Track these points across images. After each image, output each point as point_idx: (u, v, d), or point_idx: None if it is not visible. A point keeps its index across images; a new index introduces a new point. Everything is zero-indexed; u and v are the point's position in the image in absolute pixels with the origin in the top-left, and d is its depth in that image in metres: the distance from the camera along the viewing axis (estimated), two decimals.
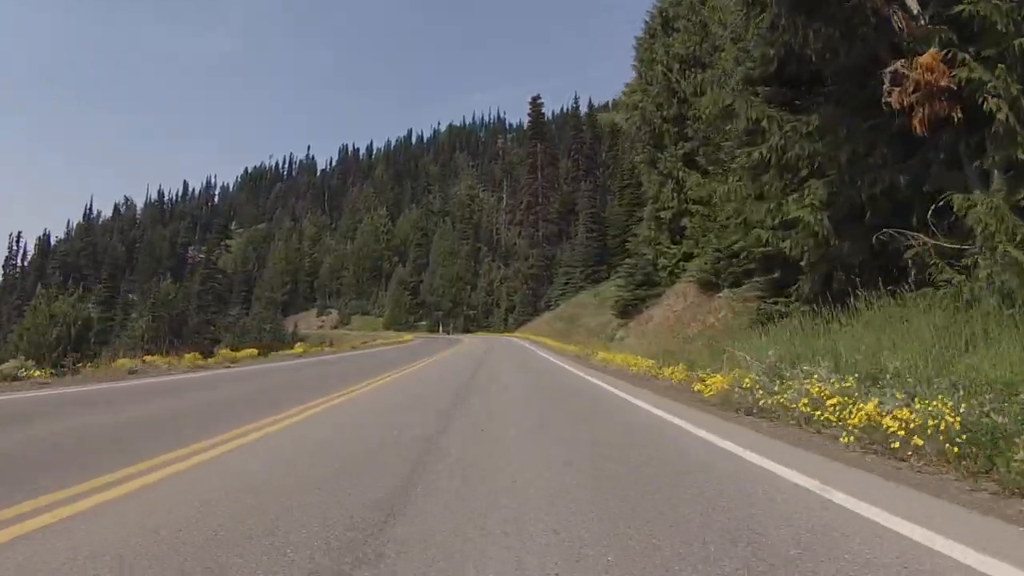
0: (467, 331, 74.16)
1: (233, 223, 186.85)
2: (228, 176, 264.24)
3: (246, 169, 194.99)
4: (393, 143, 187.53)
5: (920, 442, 3.72)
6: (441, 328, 79.19)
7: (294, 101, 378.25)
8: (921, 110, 7.84)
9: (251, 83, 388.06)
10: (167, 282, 71.63)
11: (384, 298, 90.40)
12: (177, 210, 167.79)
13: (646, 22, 32.25)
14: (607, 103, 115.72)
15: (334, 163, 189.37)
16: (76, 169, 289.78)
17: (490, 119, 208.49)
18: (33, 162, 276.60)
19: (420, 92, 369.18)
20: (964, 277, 7.82)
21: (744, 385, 6.54)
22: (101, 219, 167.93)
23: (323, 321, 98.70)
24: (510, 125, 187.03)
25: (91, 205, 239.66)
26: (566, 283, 55.31)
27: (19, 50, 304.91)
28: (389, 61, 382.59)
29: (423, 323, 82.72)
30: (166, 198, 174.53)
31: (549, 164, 72.41)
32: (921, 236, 8.36)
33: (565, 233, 70.18)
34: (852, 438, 4.25)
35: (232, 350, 21.98)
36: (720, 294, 20.51)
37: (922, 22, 8.45)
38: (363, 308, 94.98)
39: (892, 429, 3.90)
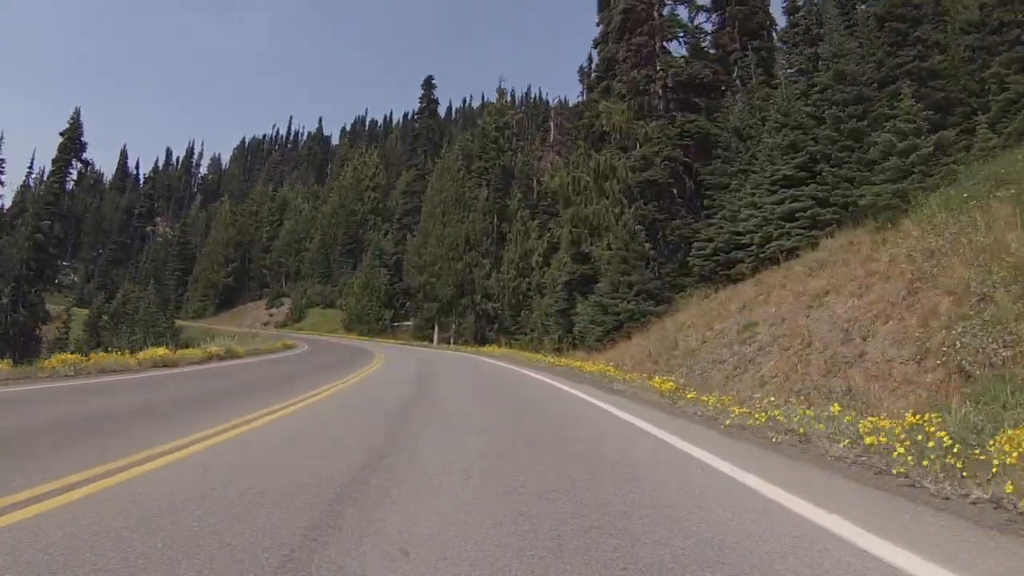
0: (481, 342, 40.19)
1: (224, 197, 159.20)
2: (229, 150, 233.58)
3: (243, 139, 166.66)
4: (416, 114, 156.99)
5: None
6: (437, 333, 45.52)
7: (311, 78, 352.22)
8: None
9: (273, 60, 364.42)
10: None
11: (357, 283, 57.06)
12: (149, 179, 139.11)
13: None
14: None
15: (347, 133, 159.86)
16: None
17: (533, 96, 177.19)
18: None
19: (451, 79, 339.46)
20: None
21: None
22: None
23: (271, 315, 66.20)
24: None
25: (32, 165, 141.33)
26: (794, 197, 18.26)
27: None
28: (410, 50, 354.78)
29: (408, 323, 49.15)
30: (132, 165, 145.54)
31: None
32: None
33: (727, 86, 29.38)
34: None
35: None
36: None
37: None
38: (326, 298, 61.90)
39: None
